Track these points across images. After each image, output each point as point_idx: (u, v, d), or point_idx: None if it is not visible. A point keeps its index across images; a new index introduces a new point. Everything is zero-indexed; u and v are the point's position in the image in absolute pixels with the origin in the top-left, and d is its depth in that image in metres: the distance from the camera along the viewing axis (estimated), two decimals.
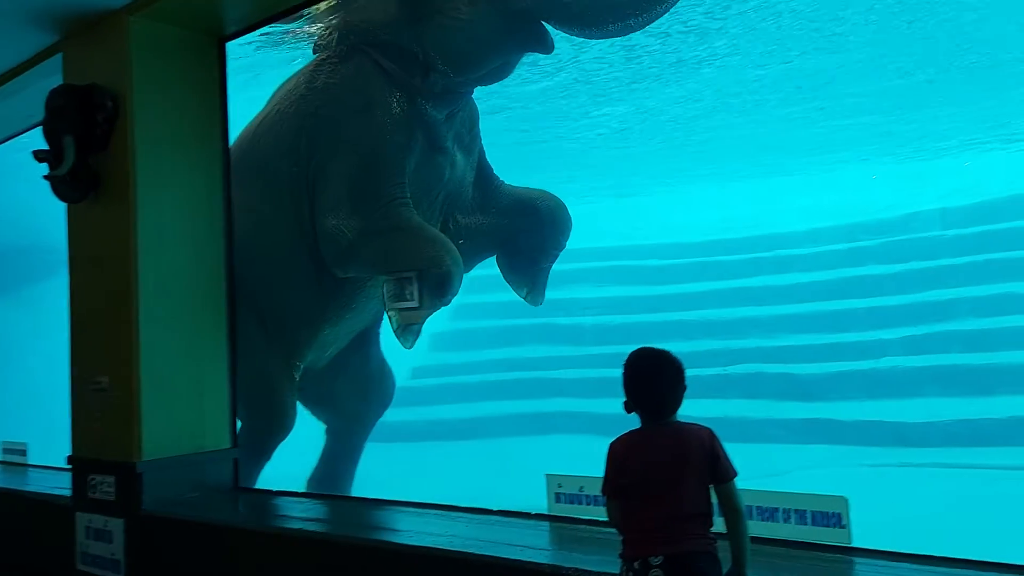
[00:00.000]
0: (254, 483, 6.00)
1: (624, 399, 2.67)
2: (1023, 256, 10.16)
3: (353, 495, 6.25)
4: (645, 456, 2.58)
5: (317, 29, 6.79)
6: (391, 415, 9.32)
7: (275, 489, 5.42)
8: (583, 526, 3.98)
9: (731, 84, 10.57)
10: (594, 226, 12.44)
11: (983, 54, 9.72)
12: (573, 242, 6.32)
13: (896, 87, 10.57)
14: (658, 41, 8.95)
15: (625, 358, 2.73)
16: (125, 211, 5.01)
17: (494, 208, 6.21)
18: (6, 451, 7.28)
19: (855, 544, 3.46)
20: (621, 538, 2.63)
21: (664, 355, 2.68)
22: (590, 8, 5.08)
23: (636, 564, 2.51)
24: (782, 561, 3.36)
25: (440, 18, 5.47)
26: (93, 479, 5.07)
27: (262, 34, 6.63)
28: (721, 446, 2.58)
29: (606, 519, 2.74)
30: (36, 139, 5.38)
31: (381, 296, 5.79)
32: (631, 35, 6.55)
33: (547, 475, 4.26)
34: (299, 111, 5.86)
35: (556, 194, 6.28)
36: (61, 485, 5.57)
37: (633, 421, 2.70)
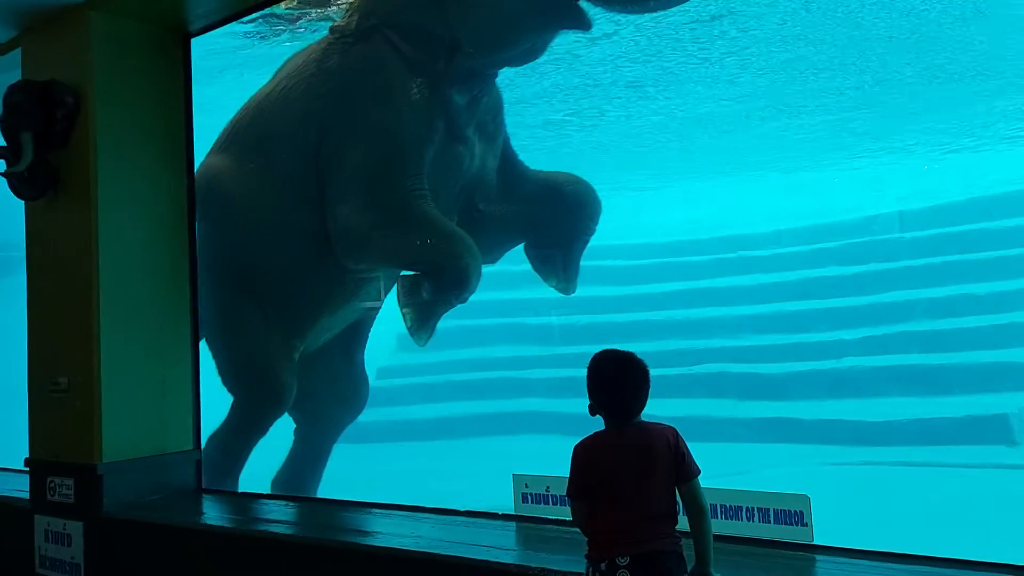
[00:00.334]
0: (244, 463, 5.94)
1: (589, 401, 2.68)
2: (979, 258, 10.38)
3: (319, 496, 6.21)
4: (613, 457, 2.59)
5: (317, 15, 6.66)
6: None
7: (240, 491, 5.37)
8: (549, 526, 3.99)
9: (697, 89, 10.67)
10: None
11: (942, 59, 9.93)
12: None
13: (856, 91, 10.75)
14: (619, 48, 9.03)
15: (590, 360, 2.75)
16: (86, 210, 4.93)
17: (518, 195, 5.89)
18: None
19: (817, 542, 3.52)
20: (587, 539, 2.64)
21: (629, 358, 2.69)
22: None
23: (603, 565, 2.52)
24: (745, 559, 3.40)
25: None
26: (52, 481, 4.98)
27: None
28: (685, 445, 2.61)
29: (572, 519, 2.76)
30: None
31: (376, 288, 5.70)
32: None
33: (514, 475, 4.27)
34: (309, 91, 5.59)
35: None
36: (19, 487, 5.46)
37: (598, 423, 2.71)
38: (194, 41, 5.53)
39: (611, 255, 13.82)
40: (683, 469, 2.57)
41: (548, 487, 4.08)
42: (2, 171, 5.10)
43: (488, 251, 5.50)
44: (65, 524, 4.89)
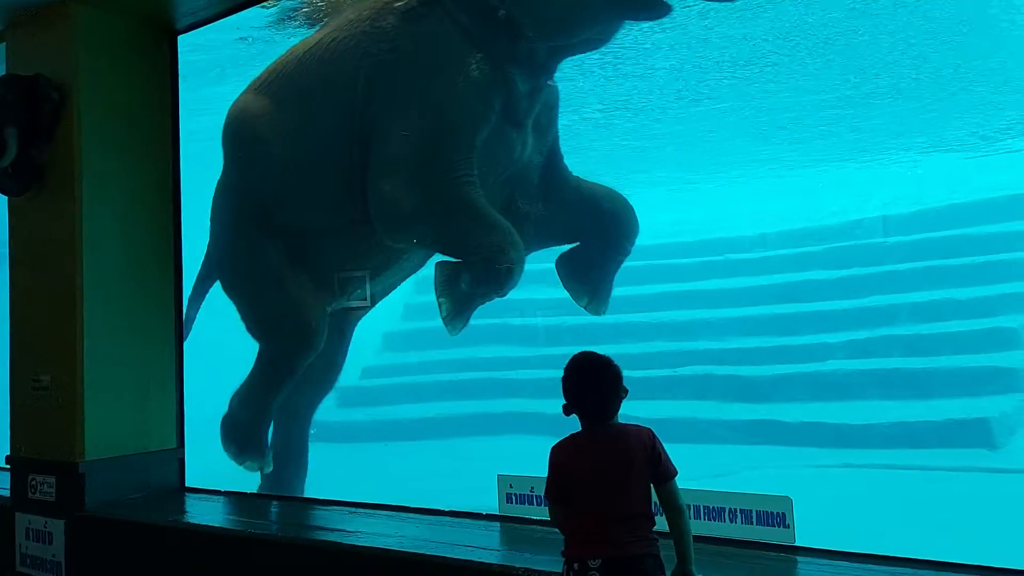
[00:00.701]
0: (269, 420, 5.79)
1: (564, 402, 2.70)
2: (961, 263, 10.47)
3: (303, 496, 6.19)
4: (590, 459, 2.61)
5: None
6: (342, 415, 9.25)
7: (223, 489, 5.35)
8: (534, 526, 4.01)
9: (683, 90, 10.71)
10: None
11: (926, 64, 10.01)
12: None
13: (842, 96, 10.83)
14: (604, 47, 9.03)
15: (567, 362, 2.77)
16: (70, 206, 4.91)
17: (557, 199, 5.58)
18: None
19: (799, 543, 3.55)
20: (564, 537, 2.66)
21: (602, 361, 2.71)
22: None
23: (575, 565, 2.54)
24: (728, 560, 3.42)
25: None
26: (33, 479, 4.95)
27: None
28: (662, 446, 2.62)
29: (550, 519, 2.78)
30: None
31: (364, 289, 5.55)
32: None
33: (498, 476, 4.28)
34: (360, 48, 5.28)
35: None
36: (0, 485, 5.42)
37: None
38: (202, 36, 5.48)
39: None
40: (659, 470, 2.58)
41: (532, 488, 4.10)
42: None
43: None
44: (46, 522, 4.87)
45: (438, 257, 5.37)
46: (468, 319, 5.28)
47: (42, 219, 5.07)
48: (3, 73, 5.16)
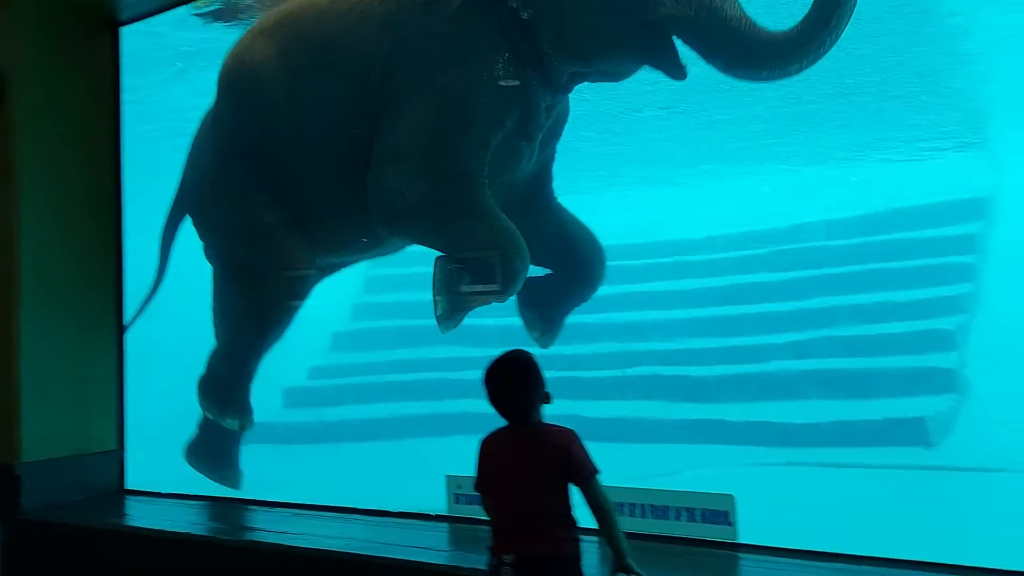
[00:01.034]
0: (248, 382, 5.58)
1: None
2: (900, 267, 10.76)
3: (247, 498, 6.11)
4: (501, 456, 2.66)
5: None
6: (288, 416, 9.14)
7: (165, 492, 5.25)
8: (482, 526, 4.01)
9: (632, 93, 10.81)
10: None
11: (868, 70, 10.26)
12: None
13: (785, 103, 11.04)
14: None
15: None
16: (8, 199, 4.78)
17: (535, 219, 5.38)
18: None
19: (741, 540, 3.61)
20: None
21: (516, 361, 2.73)
22: (741, 49, 4.40)
23: (494, 560, 2.59)
24: (671, 558, 3.47)
25: None
26: None
27: None
28: (580, 447, 2.62)
29: None
30: None
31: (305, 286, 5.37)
32: None
33: (447, 476, 4.27)
34: (389, 16, 4.98)
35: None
36: None
37: None
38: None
39: None
40: (574, 471, 2.57)
41: None
42: None
43: None
44: None
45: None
46: (462, 320, 5.17)
47: None
48: None
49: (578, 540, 2.59)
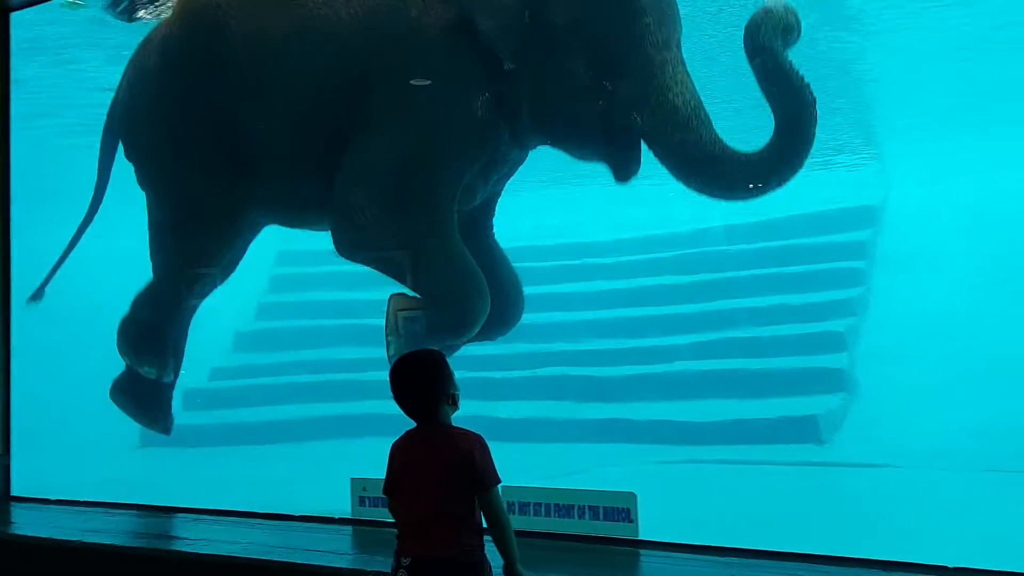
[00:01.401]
0: (175, 324, 5.37)
1: None
2: (796, 271, 11.21)
3: (143, 503, 5.91)
4: (404, 456, 2.67)
5: None
6: (188, 419, 8.88)
7: (54, 498, 5.04)
8: (387, 529, 3.99)
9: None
10: None
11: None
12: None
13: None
14: None
15: None
16: None
17: (469, 251, 5.22)
18: None
19: (642, 537, 3.71)
20: None
21: (418, 361, 2.74)
22: (719, 171, 4.61)
23: (393, 561, 2.59)
24: (573, 555, 3.54)
25: (551, 62, 4.59)
26: None
27: None
28: (485, 455, 2.61)
29: None
30: None
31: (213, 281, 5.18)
32: None
33: (352, 479, 4.24)
34: (372, 23, 4.74)
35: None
36: None
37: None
38: None
39: None
40: (476, 479, 2.56)
41: None
42: None
43: None
44: None
45: None
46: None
47: None
48: None
49: (482, 548, 2.59)
